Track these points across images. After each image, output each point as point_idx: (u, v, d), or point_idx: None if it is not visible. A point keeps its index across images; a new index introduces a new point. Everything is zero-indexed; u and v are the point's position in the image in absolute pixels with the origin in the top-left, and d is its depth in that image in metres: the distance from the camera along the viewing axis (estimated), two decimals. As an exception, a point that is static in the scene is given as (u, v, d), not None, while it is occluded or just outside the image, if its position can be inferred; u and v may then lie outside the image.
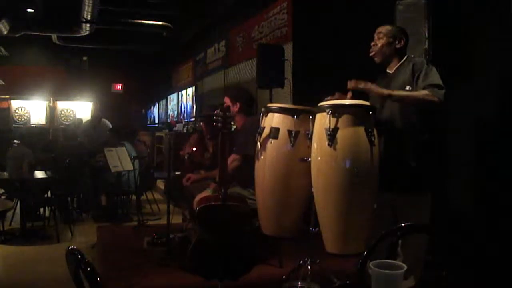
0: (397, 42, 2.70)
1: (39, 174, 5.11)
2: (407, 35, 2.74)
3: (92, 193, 5.84)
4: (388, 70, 2.77)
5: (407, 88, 2.56)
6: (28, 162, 5.19)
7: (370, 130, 2.39)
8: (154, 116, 12.96)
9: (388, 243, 1.55)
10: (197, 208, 2.70)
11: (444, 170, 3.11)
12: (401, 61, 2.71)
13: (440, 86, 2.48)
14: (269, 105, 2.90)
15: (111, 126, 7.15)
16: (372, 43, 2.77)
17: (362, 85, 2.57)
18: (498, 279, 2.73)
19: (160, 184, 7.58)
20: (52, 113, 11.84)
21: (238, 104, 3.45)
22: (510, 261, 2.69)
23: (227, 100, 3.49)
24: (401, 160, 2.52)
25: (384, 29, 2.75)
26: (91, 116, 9.24)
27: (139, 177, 5.63)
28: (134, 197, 6.13)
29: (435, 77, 2.52)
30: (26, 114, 11.68)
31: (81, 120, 9.01)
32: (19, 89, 11.54)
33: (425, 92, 2.47)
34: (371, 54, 2.77)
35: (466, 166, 3.17)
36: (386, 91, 2.53)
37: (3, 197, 5.28)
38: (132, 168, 5.29)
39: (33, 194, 4.98)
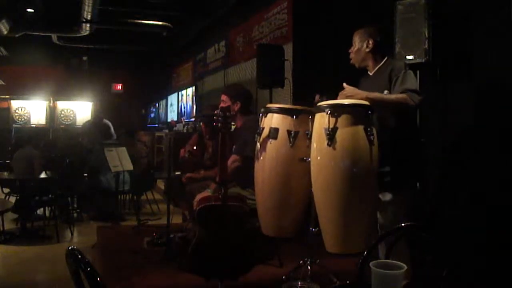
0: (365, 46, 2.72)
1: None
2: (379, 35, 2.73)
3: (92, 193, 5.84)
4: (368, 72, 2.79)
5: (385, 92, 2.57)
6: (38, 163, 5.19)
7: (369, 129, 2.39)
8: (154, 116, 12.96)
9: (387, 243, 1.55)
10: (197, 208, 2.70)
11: (440, 170, 3.12)
12: (380, 63, 2.73)
13: (417, 92, 2.50)
14: (268, 105, 2.90)
15: (111, 126, 7.15)
16: (349, 50, 2.80)
17: (340, 97, 2.58)
18: (497, 279, 2.73)
19: (160, 184, 7.58)
20: (52, 113, 11.82)
21: (238, 103, 3.45)
22: (507, 259, 2.69)
23: (225, 98, 3.48)
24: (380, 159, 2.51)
25: (355, 35, 2.79)
26: (93, 117, 9.23)
27: (137, 177, 5.63)
28: (131, 197, 6.14)
29: (412, 82, 2.54)
30: (26, 114, 11.67)
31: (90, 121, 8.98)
32: (19, 89, 11.54)
33: (401, 95, 2.48)
34: (350, 62, 2.80)
35: (466, 166, 3.17)
36: (364, 94, 2.53)
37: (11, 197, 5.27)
38: (132, 168, 5.29)
39: (34, 194, 4.98)
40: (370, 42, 2.71)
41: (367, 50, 2.72)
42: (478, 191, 3.09)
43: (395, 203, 2.60)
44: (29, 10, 7.93)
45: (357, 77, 2.84)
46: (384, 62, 2.72)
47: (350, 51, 2.80)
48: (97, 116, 7.96)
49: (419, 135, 2.79)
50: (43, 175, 4.95)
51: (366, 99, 2.50)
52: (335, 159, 2.38)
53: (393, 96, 2.53)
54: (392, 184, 2.55)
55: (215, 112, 2.92)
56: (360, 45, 2.74)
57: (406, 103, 2.46)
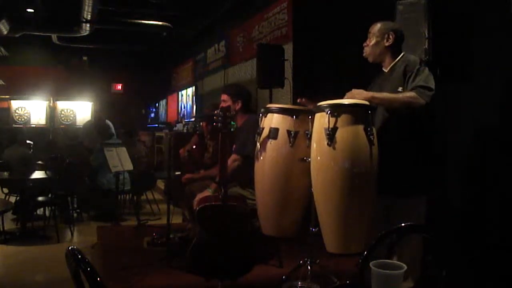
0: (385, 40, 2.66)
1: (39, 174, 5.11)
2: (399, 31, 2.70)
3: (92, 194, 5.83)
4: (383, 69, 2.75)
5: (399, 89, 2.51)
6: (32, 163, 5.19)
7: (369, 129, 2.39)
8: (154, 116, 12.96)
9: (387, 243, 1.54)
10: (197, 208, 2.71)
11: (443, 172, 3.11)
12: (396, 60, 2.67)
13: (428, 88, 2.43)
14: (268, 105, 2.90)
15: (112, 127, 7.15)
16: (364, 44, 2.76)
17: (346, 96, 2.55)
18: (497, 279, 2.73)
19: (160, 184, 7.58)
20: (52, 113, 11.83)
21: (239, 102, 3.46)
22: (509, 260, 2.69)
23: (225, 98, 3.48)
24: (394, 164, 2.47)
25: (373, 28, 2.72)
26: (93, 117, 9.22)
27: (137, 177, 5.63)
28: (131, 197, 6.14)
29: (425, 78, 2.47)
30: (26, 114, 11.68)
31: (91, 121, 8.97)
32: (19, 89, 11.55)
33: (409, 94, 2.42)
34: (364, 55, 2.76)
35: (465, 167, 3.17)
36: (369, 94, 2.50)
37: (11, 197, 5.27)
38: (132, 168, 5.29)
39: (34, 194, 4.98)
40: (391, 36, 2.64)
41: (387, 44, 2.66)
42: (477, 193, 3.09)
43: (409, 209, 2.54)
44: (29, 10, 7.93)
45: (358, 77, 2.84)
46: (400, 58, 2.66)
47: (365, 44, 2.73)
48: (98, 116, 7.96)
49: (431, 136, 2.72)
50: (43, 175, 4.96)
51: (372, 99, 2.46)
52: (335, 159, 2.38)
53: (400, 95, 2.46)
54: (404, 189, 2.50)
55: (216, 112, 2.92)
56: (380, 39, 2.67)
57: (414, 101, 2.40)
